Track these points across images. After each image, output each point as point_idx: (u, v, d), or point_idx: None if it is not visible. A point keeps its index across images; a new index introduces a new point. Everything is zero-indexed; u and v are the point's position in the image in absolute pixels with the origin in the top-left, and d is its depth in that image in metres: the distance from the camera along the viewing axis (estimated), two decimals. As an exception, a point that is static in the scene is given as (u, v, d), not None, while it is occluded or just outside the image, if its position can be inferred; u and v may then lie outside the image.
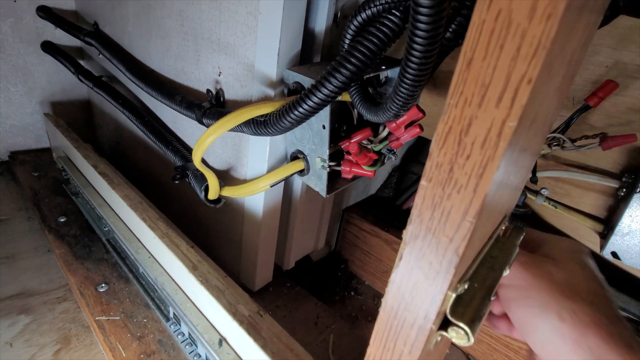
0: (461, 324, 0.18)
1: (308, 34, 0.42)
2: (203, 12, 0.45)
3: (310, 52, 0.43)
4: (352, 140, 0.39)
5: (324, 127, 0.36)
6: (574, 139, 0.54)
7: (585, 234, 0.62)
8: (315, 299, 0.57)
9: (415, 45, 0.22)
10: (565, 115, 0.54)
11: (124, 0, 0.60)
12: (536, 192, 0.63)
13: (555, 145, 0.56)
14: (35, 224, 0.60)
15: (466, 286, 0.19)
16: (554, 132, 0.55)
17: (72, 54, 0.77)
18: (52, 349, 0.40)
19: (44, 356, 0.39)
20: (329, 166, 0.39)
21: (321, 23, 0.41)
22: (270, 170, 0.44)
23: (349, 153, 0.40)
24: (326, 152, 0.38)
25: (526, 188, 0.65)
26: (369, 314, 0.65)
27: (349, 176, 0.42)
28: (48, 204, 0.62)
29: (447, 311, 0.18)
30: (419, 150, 0.77)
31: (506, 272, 0.24)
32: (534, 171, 0.61)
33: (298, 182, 0.50)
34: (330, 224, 0.67)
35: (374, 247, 0.70)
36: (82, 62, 0.76)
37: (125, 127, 0.73)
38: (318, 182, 0.41)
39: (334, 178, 0.42)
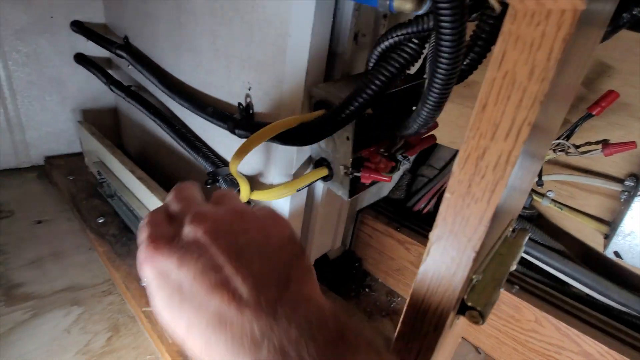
0: (477, 307, 0.22)
1: (331, 52, 0.46)
2: (235, 33, 0.50)
3: (333, 67, 0.47)
4: (372, 149, 0.43)
5: (347, 138, 0.41)
6: (577, 145, 0.58)
7: (590, 234, 0.65)
8: (334, 294, 0.62)
9: (439, 73, 0.26)
10: (570, 123, 0.58)
11: (155, 18, 0.65)
12: (542, 195, 0.67)
13: (559, 151, 0.60)
14: (75, 224, 0.66)
15: (480, 277, 0.23)
16: (558, 138, 0.59)
17: (101, 64, 0.82)
18: (104, 335, 0.45)
19: (99, 342, 0.44)
20: (351, 173, 0.43)
21: (344, 42, 0.46)
22: (297, 176, 0.48)
23: (368, 160, 0.44)
24: (350, 161, 0.42)
25: (532, 190, 0.68)
26: (383, 310, 0.69)
27: (368, 181, 0.46)
28: (86, 206, 0.67)
29: (465, 297, 0.22)
30: (428, 154, 0.81)
31: (513, 267, 0.28)
32: (540, 175, 0.64)
33: (319, 187, 0.55)
34: (346, 225, 0.72)
35: (387, 246, 0.74)
36: (110, 72, 0.81)
37: (151, 133, 0.78)
38: (340, 187, 0.46)
39: (353, 183, 0.47)
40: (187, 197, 0.22)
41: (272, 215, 0.21)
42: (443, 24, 0.23)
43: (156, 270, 0.18)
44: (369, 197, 0.77)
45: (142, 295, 0.48)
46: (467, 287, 0.22)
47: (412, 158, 0.46)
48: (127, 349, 0.44)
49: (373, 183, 0.48)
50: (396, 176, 0.81)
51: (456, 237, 0.19)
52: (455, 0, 0.22)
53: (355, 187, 0.47)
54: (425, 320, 0.22)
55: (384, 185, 0.80)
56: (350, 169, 0.43)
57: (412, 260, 0.70)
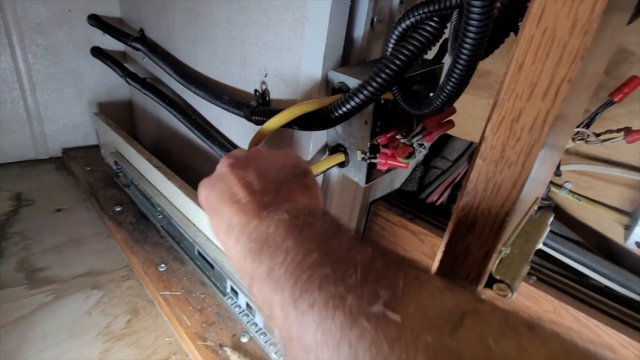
0: (505, 280, 0.22)
1: (348, 37, 0.46)
2: (251, 20, 0.50)
3: (349, 53, 0.47)
4: (389, 135, 0.43)
5: (366, 122, 0.41)
6: (598, 133, 0.57)
7: (609, 226, 0.64)
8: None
9: (466, 45, 0.26)
10: (590, 110, 0.57)
11: (170, 9, 0.65)
12: (559, 186, 0.66)
13: (579, 140, 0.59)
14: (93, 213, 0.67)
15: (508, 251, 0.23)
16: (578, 126, 0.57)
17: (116, 57, 0.83)
18: (124, 318, 0.46)
19: (119, 324, 0.45)
20: (369, 158, 0.43)
21: (360, 27, 0.45)
22: (312, 162, 0.48)
23: (385, 146, 0.44)
24: (367, 146, 0.42)
25: (550, 182, 0.67)
26: (396, 301, 0.69)
27: (384, 168, 0.46)
28: (103, 195, 0.68)
29: (492, 270, 0.22)
30: (442, 146, 0.80)
31: (539, 245, 0.27)
32: (558, 165, 0.63)
33: (334, 178, 0.55)
34: (359, 216, 0.71)
35: (400, 237, 0.74)
36: (126, 65, 0.83)
37: (166, 124, 0.79)
38: (357, 172, 0.45)
39: (370, 169, 0.46)
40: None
41: (284, 151, 0.29)
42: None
43: (201, 197, 0.25)
44: (381, 189, 0.76)
45: (159, 279, 0.49)
46: (495, 260, 0.22)
47: (428, 145, 0.46)
48: (146, 331, 0.45)
49: (389, 170, 0.48)
50: (409, 168, 0.80)
51: (487, 204, 0.19)
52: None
53: (372, 173, 0.47)
54: (453, 292, 0.22)
55: (397, 177, 0.80)
56: (368, 154, 0.43)
57: (426, 251, 0.70)
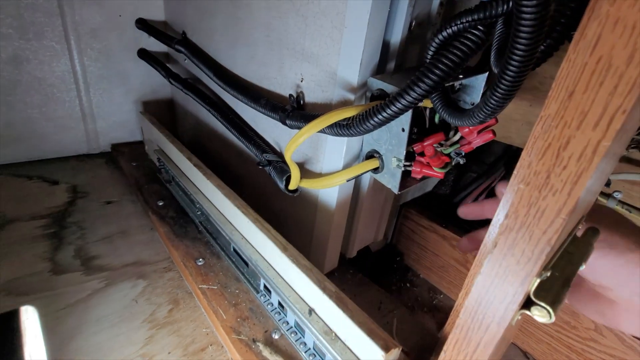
0: (544, 304, 0.21)
1: (385, 42, 0.46)
2: (289, 26, 0.51)
3: (386, 59, 0.47)
4: (426, 143, 0.42)
5: (403, 130, 0.40)
6: (655, 142, 0.52)
7: (664, 240, 0.59)
8: (376, 285, 0.62)
9: (515, 57, 0.25)
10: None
11: (213, 13, 0.68)
12: (608, 195, 0.62)
13: (632, 148, 0.55)
14: (139, 206, 0.72)
15: (549, 274, 0.22)
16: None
17: (160, 58, 0.88)
18: (166, 307, 0.50)
19: (162, 312, 0.49)
20: (404, 166, 0.43)
21: (397, 33, 0.45)
22: (346, 166, 0.49)
23: (421, 155, 0.43)
24: (403, 153, 0.42)
25: (597, 190, 0.63)
26: (425, 305, 0.68)
27: (419, 176, 0.45)
28: (147, 190, 0.73)
29: (531, 293, 0.22)
30: (480, 148, 0.77)
31: (582, 267, 0.26)
32: (607, 174, 0.59)
33: (366, 180, 0.55)
34: (389, 218, 0.71)
35: (430, 242, 0.73)
36: (169, 66, 0.87)
37: (204, 123, 0.83)
38: (391, 179, 0.46)
39: (404, 177, 0.46)
40: None
41: None
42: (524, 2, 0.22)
43: None
44: (412, 192, 0.75)
45: (198, 273, 0.52)
46: (534, 283, 0.21)
47: (465, 154, 0.45)
48: (186, 321, 0.48)
49: (424, 178, 0.47)
50: (443, 171, 0.78)
51: (528, 229, 0.19)
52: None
53: (405, 181, 0.47)
54: (488, 313, 0.22)
55: (430, 180, 0.78)
56: (403, 162, 0.43)
57: (457, 257, 0.68)
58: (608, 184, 0.60)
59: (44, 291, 0.51)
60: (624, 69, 0.15)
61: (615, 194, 0.62)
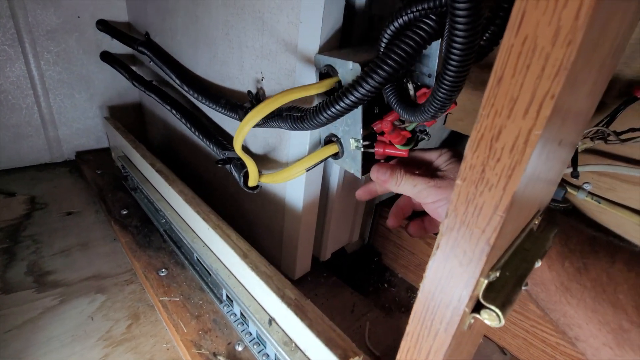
0: (492, 307, 0.20)
1: (344, 39, 0.44)
2: (247, 23, 0.49)
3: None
4: (385, 120, 0.40)
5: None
6: (619, 132, 0.52)
7: (631, 229, 0.60)
8: (350, 288, 0.60)
9: (454, 51, 0.24)
10: (611, 107, 0.53)
11: (174, 12, 0.65)
12: (578, 187, 0.62)
13: (598, 139, 0.55)
14: (102, 216, 0.68)
15: (498, 274, 0.21)
16: (597, 125, 0.53)
17: (125, 61, 0.84)
18: (125, 323, 0.47)
19: (120, 329, 0.46)
20: (363, 146, 0.41)
21: (358, 25, 0.44)
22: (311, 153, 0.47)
23: (382, 134, 0.41)
24: (359, 132, 0.40)
25: (567, 183, 0.63)
26: (402, 306, 0.67)
27: (383, 157, 0.43)
28: (111, 198, 0.70)
29: (480, 295, 0.20)
30: (452, 144, 0.77)
31: (538, 264, 0.25)
32: (575, 165, 0.59)
33: (335, 177, 0.53)
34: (364, 218, 0.70)
35: (406, 240, 0.72)
36: (134, 68, 0.84)
37: (173, 127, 0.80)
38: (352, 163, 0.43)
39: (367, 160, 0.44)
40: None
41: None
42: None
43: None
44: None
45: (159, 285, 0.50)
46: (482, 285, 0.20)
47: (429, 130, 0.42)
48: (145, 336, 0.45)
49: (389, 159, 0.45)
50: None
51: (468, 228, 0.17)
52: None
53: (369, 164, 0.45)
54: (435, 319, 0.20)
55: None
56: (362, 142, 0.41)
57: (434, 255, 0.67)
58: (576, 176, 0.60)
59: (-10, 313, 0.47)
60: (549, 49, 0.13)
61: (585, 186, 0.62)
